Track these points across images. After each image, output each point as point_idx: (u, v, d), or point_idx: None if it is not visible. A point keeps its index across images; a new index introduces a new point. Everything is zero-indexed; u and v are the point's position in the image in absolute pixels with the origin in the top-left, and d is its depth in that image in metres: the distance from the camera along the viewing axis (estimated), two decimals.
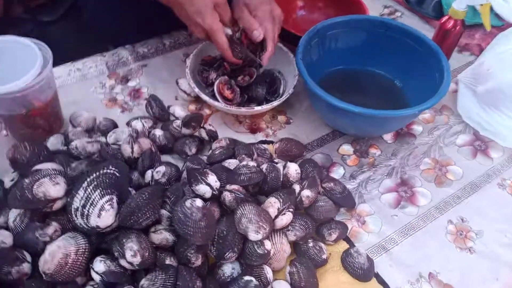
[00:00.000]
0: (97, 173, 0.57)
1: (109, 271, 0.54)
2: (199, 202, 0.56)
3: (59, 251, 0.53)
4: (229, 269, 0.60)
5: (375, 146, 0.82)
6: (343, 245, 0.68)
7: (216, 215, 0.60)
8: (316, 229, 0.68)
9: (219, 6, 0.75)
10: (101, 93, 0.87)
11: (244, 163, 0.65)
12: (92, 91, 0.87)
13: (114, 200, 0.56)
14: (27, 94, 0.69)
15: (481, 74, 0.82)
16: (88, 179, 0.56)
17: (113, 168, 0.58)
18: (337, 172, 0.78)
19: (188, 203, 0.56)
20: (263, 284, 0.60)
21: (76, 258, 0.53)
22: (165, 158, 0.77)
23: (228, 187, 0.62)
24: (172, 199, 0.59)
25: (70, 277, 0.53)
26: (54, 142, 0.74)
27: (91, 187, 0.55)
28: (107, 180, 0.56)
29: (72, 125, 0.80)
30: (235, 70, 0.82)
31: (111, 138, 0.74)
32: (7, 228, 0.58)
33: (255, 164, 0.65)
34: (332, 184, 0.71)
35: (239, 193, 0.61)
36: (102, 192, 0.55)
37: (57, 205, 0.58)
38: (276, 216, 0.62)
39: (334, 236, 0.66)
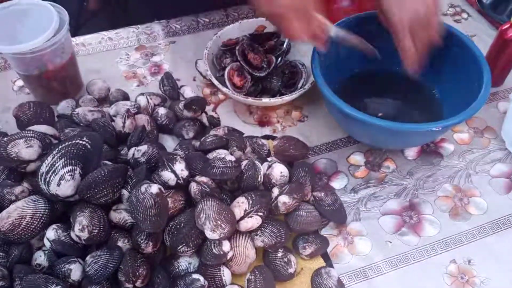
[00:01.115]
0: (69, 143, 0.57)
1: (58, 240, 0.54)
2: (154, 189, 0.53)
3: (15, 212, 0.54)
4: (185, 263, 0.57)
5: (390, 160, 0.73)
6: (319, 262, 0.61)
7: (177, 204, 0.57)
8: (294, 238, 0.62)
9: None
10: (124, 65, 0.88)
11: (222, 156, 0.61)
12: (117, 61, 0.89)
13: (77, 172, 0.56)
14: (39, 56, 0.71)
15: None
16: (59, 147, 0.57)
17: (86, 140, 0.58)
18: (339, 182, 0.70)
19: (143, 188, 0.53)
20: (217, 286, 0.56)
21: (31, 221, 0.54)
22: (165, 138, 0.76)
23: (197, 178, 0.59)
24: (134, 180, 0.57)
25: (22, 239, 0.54)
26: (64, 106, 0.76)
27: (58, 155, 0.56)
28: (75, 151, 0.56)
29: (87, 93, 0.82)
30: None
31: (112, 110, 0.74)
32: None
33: (233, 159, 0.61)
34: (322, 193, 0.65)
35: (206, 186, 0.58)
36: (65, 162, 0.55)
37: (30, 167, 0.59)
38: (242, 218, 0.57)
39: (309, 250, 0.60)
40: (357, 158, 0.73)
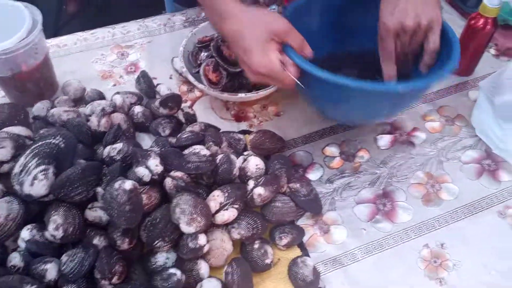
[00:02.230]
0: (42, 142, 0.57)
1: (33, 240, 0.54)
2: (128, 185, 0.54)
3: None
4: (162, 258, 0.58)
5: (364, 150, 0.74)
6: (296, 252, 0.63)
7: (152, 200, 0.58)
8: (271, 229, 0.63)
9: (279, 35, 0.60)
10: (100, 65, 0.88)
11: (197, 150, 0.62)
12: (92, 62, 0.89)
13: (50, 171, 0.56)
14: (12, 57, 0.71)
15: (502, 82, 0.70)
16: (32, 147, 0.57)
17: (59, 139, 0.58)
18: (315, 174, 0.71)
19: (117, 184, 0.54)
20: (194, 280, 0.57)
21: (5, 222, 0.54)
22: (142, 136, 0.76)
23: (172, 173, 0.59)
24: (108, 177, 0.58)
25: None
26: (39, 107, 0.76)
27: (30, 155, 0.56)
28: (48, 150, 0.56)
29: (63, 93, 0.81)
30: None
31: (87, 109, 0.74)
32: None
33: (208, 153, 0.61)
34: (298, 185, 0.66)
35: (181, 181, 0.58)
36: (39, 161, 0.55)
37: (4, 168, 0.59)
38: (217, 211, 0.58)
39: (285, 241, 0.61)
40: (332, 150, 0.74)
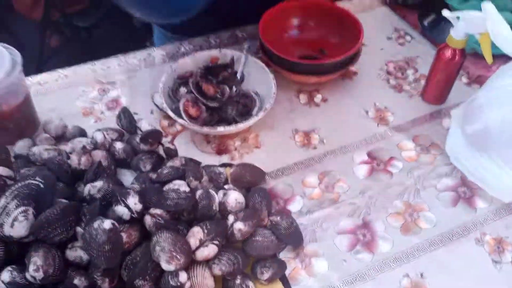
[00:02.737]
0: (21, 183, 0.57)
1: (14, 282, 0.54)
2: (107, 224, 0.54)
3: None
4: None
5: (343, 180, 0.76)
6: (278, 286, 0.63)
7: (133, 238, 0.58)
8: (252, 264, 0.64)
9: None
10: (81, 101, 0.89)
11: (176, 187, 0.62)
12: (74, 99, 0.89)
13: (30, 212, 0.56)
14: None
15: (472, 111, 0.73)
16: (12, 189, 0.57)
17: (39, 179, 0.58)
18: (295, 205, 0.72)
19: (96, 224, 0.54)
20: None
21: None
22: (123, 172, 0.77)
23: (151, 211, 0.60)
24: (87, 217, 0.58)
25: None
26: (21, 146, 0.76)
27: (10, 197, 0.56)
28: (27, 191, 0.57)
29: (44, 131, 0.82)
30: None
31: (68, 147, 0.74)
32: None
33: (187, 190, 0.62)
34: (278, 218, 0.67)
35: (160, 218, 0.59)
36: (18, 203, 0.55)
37: None
38: (197, 248, 0.58)
39: (266, 275, 0.62)
40: (311, 180, 0.76)
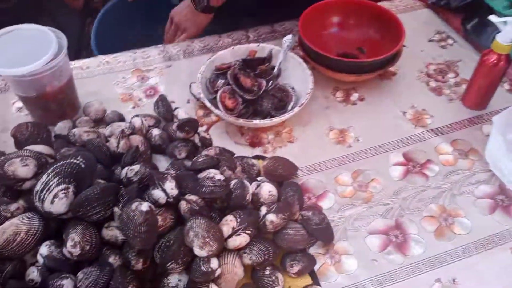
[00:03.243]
0: (63, 162, 0.59)
1: (51, 256, 0.56)
2: (144, 207, 0.55)
3: (10, 228, 0.56)
4: (175, 280, 0.59)
5: (377, 180, 0.75)
6: (307, 280, 0.63)
7: (167, 222, 0.59)
8: (282, 256, 0.64)
9: None
10: (121, 87, 0.91)
11: (211, 175, 0.63)
12: (113, 84, 0.92)
13: (70, 190, 0.58)
14: (38, 79, 0.74)
15: None
16: (54, 166, 0.59)
17: (80, 159, 0.60)
18: (327, 202, 0.72)
19: (134, 205, 0.55)
20: None
21: (26, 237, 0.56)
22: (158, 158, 0.78)
23: (186, 196, 0.60)
24: (125, 198, 0.59)
25: (16, 254, 0.56)
26: (61, 127, 0.79)
27: (52, 174, 0.58)
28: (69, 170, 0.58)
29: (84, 114, 0.84)
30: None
31: (107, 130, 0.76)
32: None
33: (222, 178, 0.62)
34: (310, 213, 0.66)
35: (195, 204, 0.59)
36: (60, 180, 0.57)
37: (26, 185, 0.61)
38: (230, 236, 0.59)
39: (296, 268, 0.62)
40: (345, 179, 0.75)
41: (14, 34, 0.78)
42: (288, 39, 0.90)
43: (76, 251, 0.55)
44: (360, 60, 0.89)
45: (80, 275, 0.55)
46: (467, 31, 1.02)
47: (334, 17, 0.97)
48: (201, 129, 0.81)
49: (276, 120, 0.78)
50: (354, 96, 0.88)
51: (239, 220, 0.60)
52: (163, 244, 0.58)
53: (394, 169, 0.76)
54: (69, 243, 0.55)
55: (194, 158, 0.72)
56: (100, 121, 0.83)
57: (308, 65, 0.85)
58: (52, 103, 0.79)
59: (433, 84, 0.90)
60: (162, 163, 0.77)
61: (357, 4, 0.96)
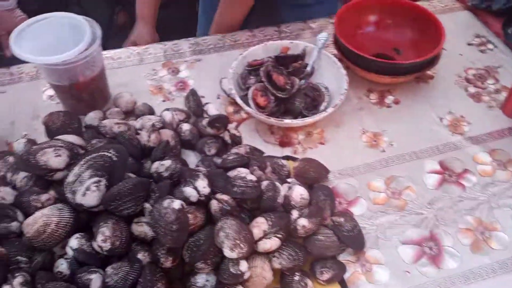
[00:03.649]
0: (95, 154, 0.58)
1: (81, 249, 0.55)
2: (177, 204, 0.54)
3: (41, 219, 0.55)
4: (202, 280, 0.58)
5: (411, 188, 0.72)
6: None
7: (197, 221, 0.58)
8: (311, 263, 0.62)
9: None
10: (151, 80, 0.90)
11: (243, 175, 0.62)
12: (144, 76, 0.91)
13: (103, 183, 0.57)
14: (71, 68, 0.74)
15: None
16: (86, 158, 0.58)
17: (113, 152, 0.59)
18: (358, 208, 0.70)
19: (166, 203, 0.54)
20: None
21: (56, 229, 0.55)
22: (187, 153, 0.77)
23: (218, 195, 0.59)
24: (157, 194, 0.58)
25: (46, 246, 0.55)
26: (92, 117, 0.78)
27: (85, 166, 0.57)
28: (101, 162, 0.58)
29: (114, 105, 0.83)
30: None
31: (138, 123, 0.75)
32: (14, 186, 0.62)
33: (254, 179, 0.61)
34: (342, 219, 0.65)
35: (226, 204, 0.58)
36: (92, 173, 0.57)
37: (58, 175, 0.61)
38: (260, 239, 0.57)
39: (326, 276, 0.60)
40: (378, 185, 0.73)
41: (48, 22, 0.77)
42: (322, 36, 0.87)
43: (107, 246, 0.54)
44: (398, 62, 0.86)
45: (109, 270, 0.54)
46: (508, 36, 0.98)
47: (371, 16, 0.94)
48: (231, 126, 0.80)
49: (309, 120, 0.76)
50: (389, 98, 0.85)
51: (270, 223, 0.58)
52: (192, 243, 0.57)
53: (429, 177, 0.74)
54: (100, 238, 0.54)
55: (224, 156, 0.70)
56: (130, 112, 0.83)
57: (342, 64, 0.83)
58: (83, 92, 0.79)
59: (472, 90, 0.87)
60: (191, 158, 0.76)
61: (395, 3, 0.92)
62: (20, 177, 0.62)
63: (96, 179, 0.56)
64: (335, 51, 0.88)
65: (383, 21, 0.94)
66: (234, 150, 0.73)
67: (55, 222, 0.56)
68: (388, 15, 0.93)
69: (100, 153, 0.58)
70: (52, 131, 0.71)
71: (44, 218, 0.55)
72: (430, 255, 0.65)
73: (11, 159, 0.67)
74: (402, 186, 0.72)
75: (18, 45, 0.72)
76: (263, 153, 0.75)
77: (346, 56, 0.85)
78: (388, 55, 0.91)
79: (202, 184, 0.58)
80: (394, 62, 0.85)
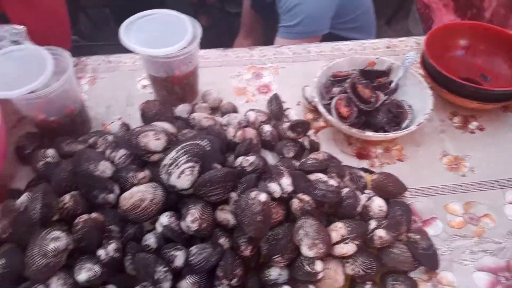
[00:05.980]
0: (192, 142, 0.62)
1: (170, 226, 0.59)
2: (263, 197, 0.57)
3: (137, 194, 0.60)
4: (276, 273, 0.60)
5: (490, 216, 0.71)
6: None
7: (278, 216, 0.60)
8: (382, 275, 0.63)
9: None
10: (236, 81, 0.95)
11: (325, 179, 0.63)
12: (230, 77, 0.96)
13: (196, 169, 0.61)
14: (170, 62, 0.80)
15: None
16: (183, 144, 0.62)
17: (207, 142, 0.63)
18: (434, 228, 0.69)
19: (253, 194, 0.57)
20: None
21: (149, 205, 0.60)
22: (265, 153, 0.80)
23: (299, 195, 0.61)
24: (244, 185, 0.61)
25: (138, 219, 0.60)
26: (181, 109, 0.84)
27: (181, 151, 0.61)
28: (197, 150, 0.62)
29: (202, 101, 0.89)
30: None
31: (224, 120, 0.80)
32: (113, 162, 0.68)
33: (335, 184, 0.63)
34: (418, 236, 0.64)
35: (307, 204, 0.60)
36: (188, 158, 0.61)
37: (154, 157, 0.66)
38: (337, 243, 0.59)
39: None
40: (456, 208, 0.72)
41: (153, 17, 0.84)
42: (410, 55, 0.88)
43: (194, 226, 0.58)
44: (490, 88, 0.84)
45: (193, 249, 0.58)
46: None
47: (461, 40, 0.93)
48: (310, 132, 0.82)
49: (391, 135, 0.76)
50: (473, 124, 0.84)
51: (349, 229, 0.59)
52: (271, 237, 0.59)
53: (510, 208, 0.72)
54: (189, 218, 0.58)
55: (303, 160, 0.73)
56: (215, 109, 0.87)
57: (428, 84, 0.83)
58: (176, 86, 0.85)
59: None
60: (269, 158, 0.78)
61: (487, 30, 0.91)
62: (119, 155, 0.68)
63: (191, 164, 0.61)
64: (421, 71, 0.88)
65: (474, 46, 0.92)
66: (312, 156, 0.75)
67: (150, 198, 0.60)
68: (479, 40, 0.92)
69: (195, 142, 0.62)
70: (147, 117, 0.77)
71: (140, 193, 0.60)
72: (506, 285, 0.63)
73: (110, 137, 0.74)
74: (481, 213, 0.71)
75: (126, 36, 0.78)
76: (340, 162, 0.77)
77: (432, 76, 0.85)
78: (475, 80, 0.89)
79: (287, 182, 0.61)
80: (485, 88, 0.84)
